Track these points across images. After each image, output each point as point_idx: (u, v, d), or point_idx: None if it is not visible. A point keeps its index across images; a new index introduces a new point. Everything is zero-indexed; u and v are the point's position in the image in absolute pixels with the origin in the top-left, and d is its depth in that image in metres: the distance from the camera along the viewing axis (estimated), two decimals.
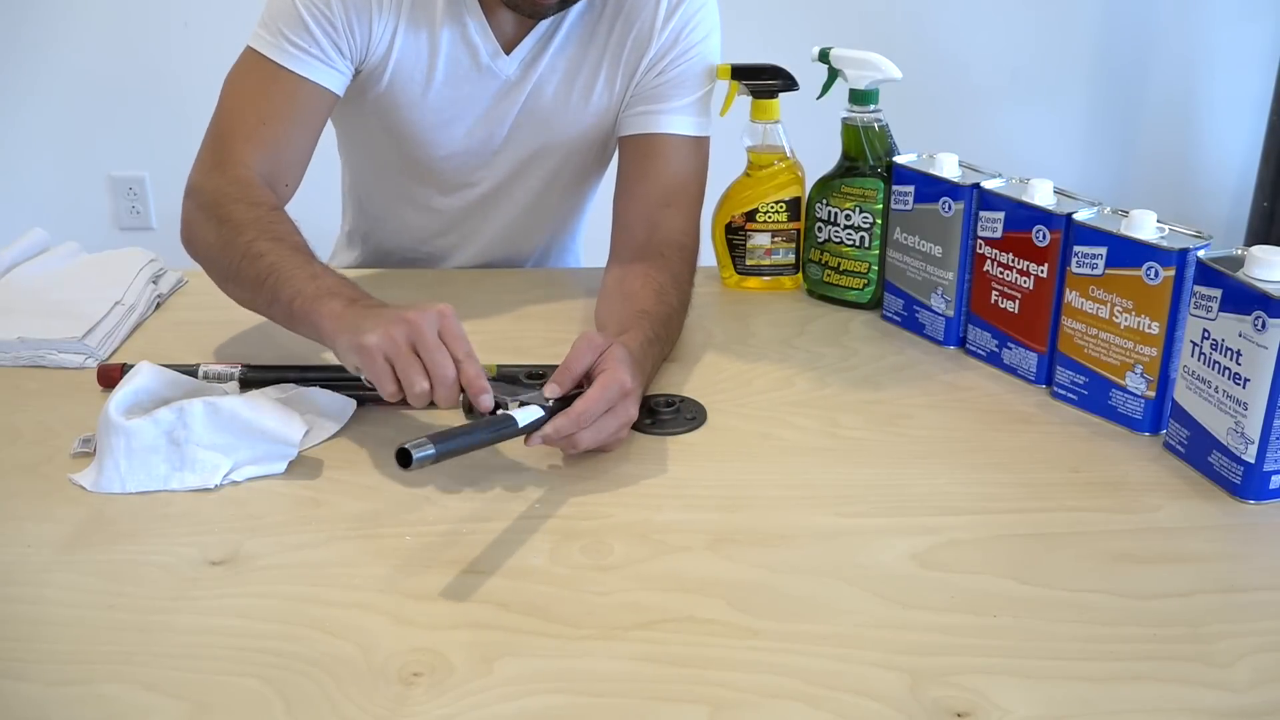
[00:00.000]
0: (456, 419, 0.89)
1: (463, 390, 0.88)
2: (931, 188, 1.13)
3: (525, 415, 0.87)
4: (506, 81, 1.22)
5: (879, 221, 1.21)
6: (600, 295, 1.17)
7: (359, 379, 0.93)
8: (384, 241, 1.42)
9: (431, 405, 0.89)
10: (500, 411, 0.88)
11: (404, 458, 0.79)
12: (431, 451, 0.80)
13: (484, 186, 1.31)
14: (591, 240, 1.48)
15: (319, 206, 1.35)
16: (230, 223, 1.04)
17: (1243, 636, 0.73)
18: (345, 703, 0.67)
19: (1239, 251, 0.89)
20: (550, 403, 0.90)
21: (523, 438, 0.88)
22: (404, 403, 0.90)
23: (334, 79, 1.15)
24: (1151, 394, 0.97)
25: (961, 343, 1.15)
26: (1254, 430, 0.86)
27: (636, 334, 1.02)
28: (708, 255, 1.29)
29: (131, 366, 0.97)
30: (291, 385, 0.99)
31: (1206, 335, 0.89)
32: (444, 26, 1.17)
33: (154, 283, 1.26)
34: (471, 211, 1.34)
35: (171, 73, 2.62)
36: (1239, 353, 0.86)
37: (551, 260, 1.46)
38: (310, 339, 0.98)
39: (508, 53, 1.20)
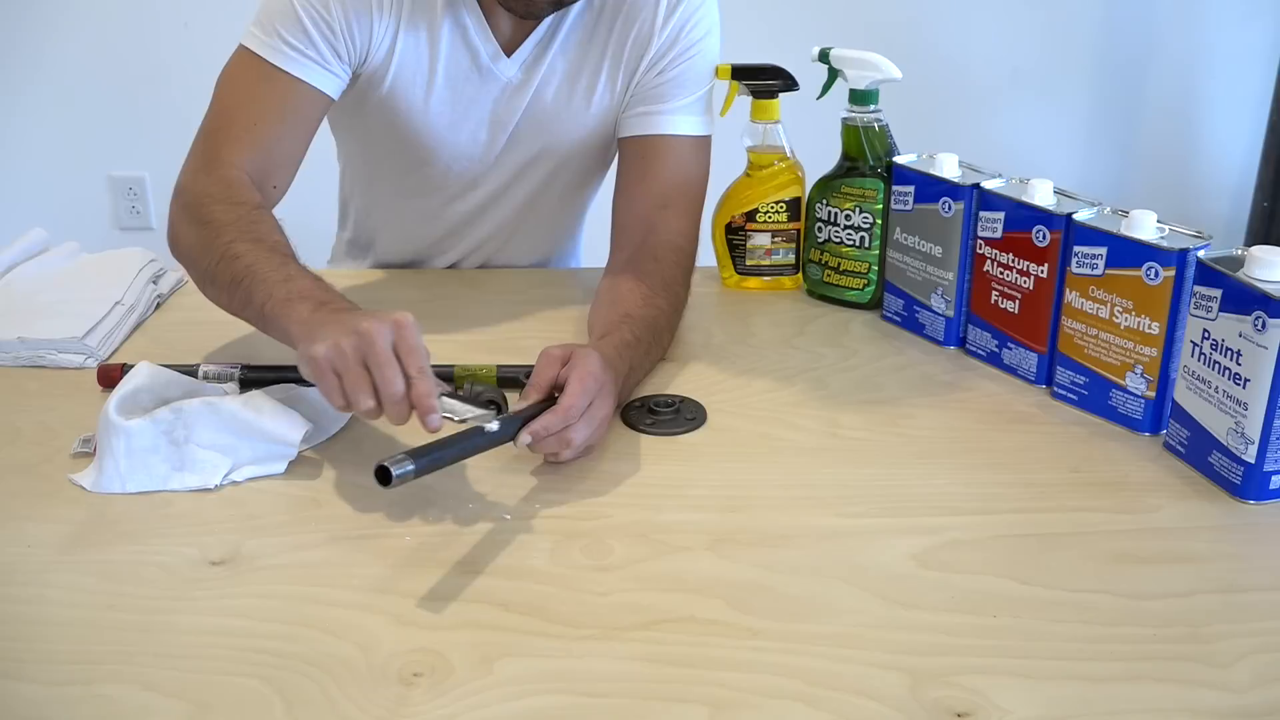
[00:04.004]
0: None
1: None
2: (931, 188, 1.13)
3: (502, 423, 0.86)
4: (509, 84, 1.21)
5: (879, 221, 1.21)
6: (593, 299, 1.17)
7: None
8: (385, 250, 1.40)
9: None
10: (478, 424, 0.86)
11: (383, 475, 0.78)
12: (410, 468, 0.79)
13: (485, 190, 1.31)
14: (594, 244, 1.48)
15: (316, 209, 1.34)
16: (210, 224, 1.03)
17: (1243, 636, 0.73)
18: (345, 703, 0.67)
19: (1239, 251, 0.89)
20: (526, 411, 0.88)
21: (511, 444, 0.87)
22: None
23: (330, 82, 1.14)
24: (1151, 394, 0.97)
25: (961, 343, 1.15)
26: (1254, 430, 0.86)
27: (614, 338, 1.01)
28: (708, 255, 1.29)
29: (131, 366, 0.97)
30: (291, 385, 0.99)
31: (1206, 335, 0.89)
32: (444, 27, 1.16)
33: (154, 283, 1.26)
34: (473, 216, 1.33)
35: (171, 73, 2.62)
36: (1239, 353, 0.86)
37: (552, 265, 1.46)
38: (283, 343, 0.95)
39: (509, 55, 1.20)
